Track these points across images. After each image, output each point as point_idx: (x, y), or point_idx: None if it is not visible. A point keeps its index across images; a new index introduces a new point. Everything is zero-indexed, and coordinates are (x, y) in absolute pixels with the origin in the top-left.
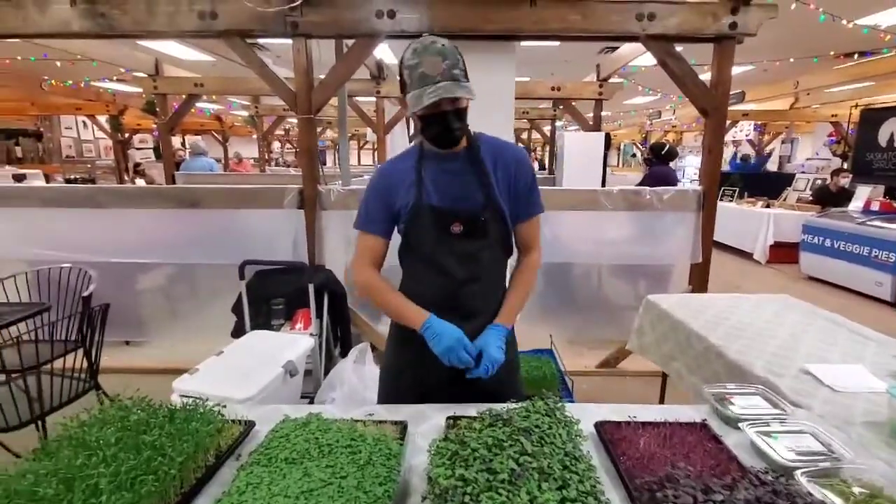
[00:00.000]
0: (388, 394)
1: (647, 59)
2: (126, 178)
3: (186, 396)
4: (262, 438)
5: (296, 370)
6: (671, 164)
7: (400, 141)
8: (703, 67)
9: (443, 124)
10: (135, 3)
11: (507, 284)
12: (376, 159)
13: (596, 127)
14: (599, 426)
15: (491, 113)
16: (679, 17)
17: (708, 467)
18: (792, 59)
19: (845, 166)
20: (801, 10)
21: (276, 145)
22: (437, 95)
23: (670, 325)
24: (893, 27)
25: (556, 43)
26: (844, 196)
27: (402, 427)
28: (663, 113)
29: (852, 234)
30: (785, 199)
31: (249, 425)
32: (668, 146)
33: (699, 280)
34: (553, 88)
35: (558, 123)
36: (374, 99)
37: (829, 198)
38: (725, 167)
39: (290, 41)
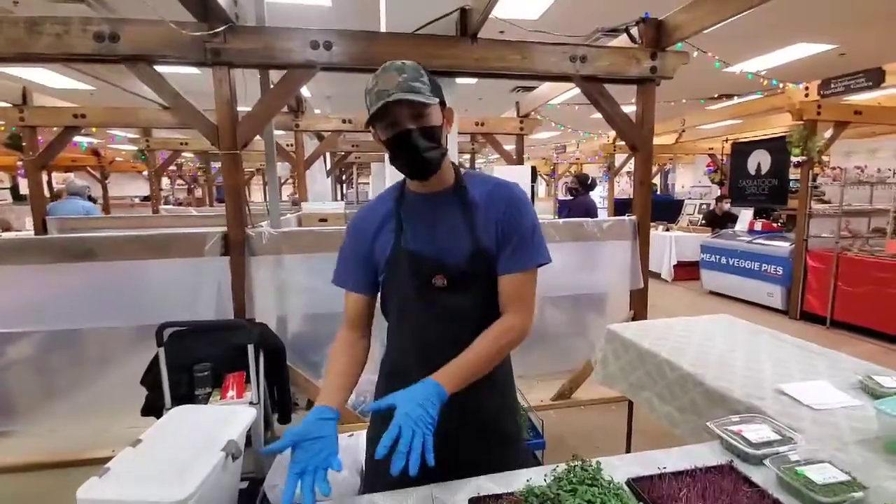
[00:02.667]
0: (377, 471)
1: (560, 99)
2: None
3: None
4: None
5: (239, 451)
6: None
7: (318, 177)
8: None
9: (407, 144)
10: (12, 21)
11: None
12: (295, 195)
13: (519, 160)
14: (634, 483)
15: None
16: (607, 60)
17: None
18: (684, 101)
19: (725, 192)
20: (700, 57)
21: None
22: (382, 99)
23: (637, 354)
24: (771, 71)
25: (474, 81)
26: (728, 218)
27: None
28: (568, 147)
29: (743, 252)
30: (679, 223)
31: None
32: (591, 178)
33: (640, 305)
34: (477, 124)
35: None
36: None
37: (716, 220)
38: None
39: (195, 70)
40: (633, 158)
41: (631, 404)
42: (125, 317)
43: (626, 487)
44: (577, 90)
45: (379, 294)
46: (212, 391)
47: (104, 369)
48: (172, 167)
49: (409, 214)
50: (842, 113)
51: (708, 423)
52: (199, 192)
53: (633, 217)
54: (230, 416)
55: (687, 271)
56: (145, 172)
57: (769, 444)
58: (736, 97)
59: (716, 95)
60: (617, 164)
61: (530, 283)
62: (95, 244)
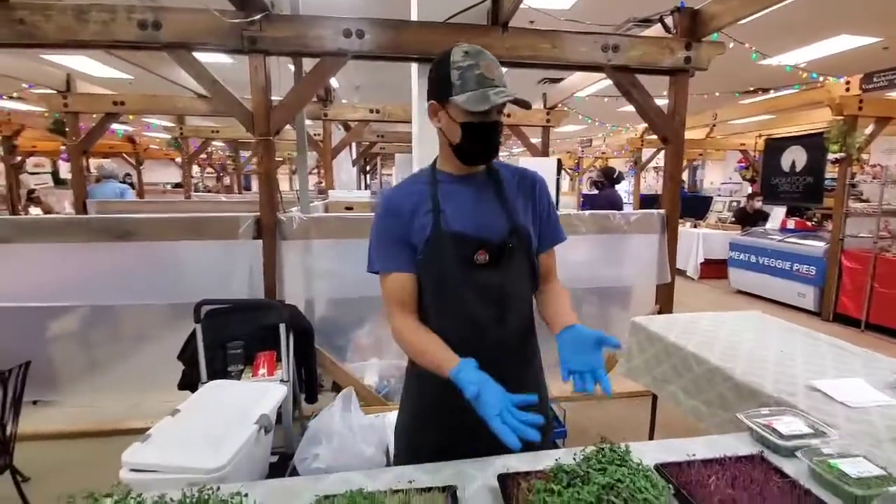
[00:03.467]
0: (410, 447)
1: (588, 91)
2: (18, 206)
3: (141, 471)
4: None
5: (271, 425)
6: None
7: (345, 165)
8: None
9: (489, 134)
10: (61, 8)
11: (534, 326)
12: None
13: (544, 152)
14: (662, 468)
15: None
16: (640, 50)
17: None
18: (717, 93)
19: (757, 190)
20: (736, 48)
21: (194, 169)
22: (508, 96)
23: (663, 347)
24: (811, 64)
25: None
26: (760, 216)
27: (452, 494)
28: (594, 141)
29: (775, 251)
30: (707, 221)
31: None
32: (617, 171)
33: (665, 300)
34: (505, 115)
35: (501, 152)
36: (312, 122)
37: (747, 218)
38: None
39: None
40: (660, 153)
41: (655, 398)
42: (161, 295)
43: (654, 471)
44: (606, 82)
45: None
46: (244, 368)
47: (140, 346)
48: (203, 155)
49: (445, 196)
50: (884, 108)
51: (738, 415)
52: (227, 181)
53: (662, 211)
54: (262, 392)
55: (714, 269)
56: (178, 159)
57: (801, 436)
58: (772, 91)
59: (751, 89)
60: (644, 158)
61: (555, 256)
62: (135, 225)
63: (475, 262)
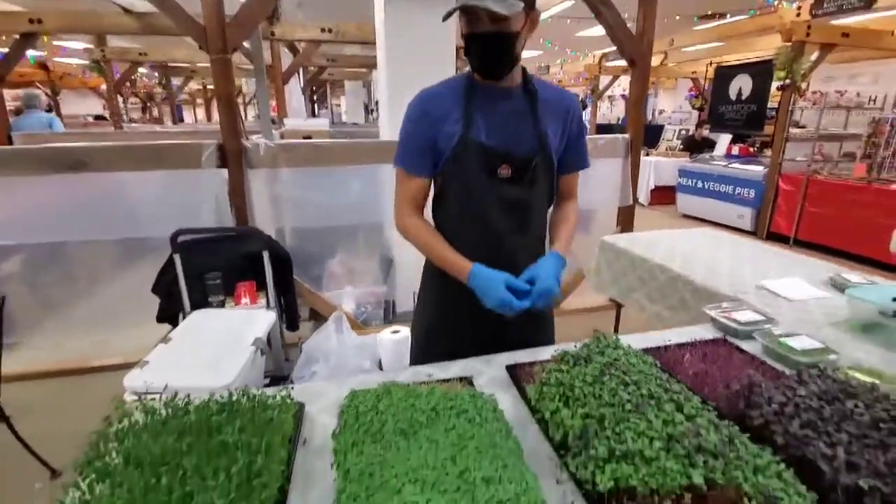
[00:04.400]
0: (424, 354)
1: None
2: None
3: (146, 393)
4: (321, 420)
5: (266, 348)
6: None
7: (295, 92)
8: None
9: (482, 46)
10: None
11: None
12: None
13: None
14: (645, 352)
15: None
16: None
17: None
18: (678, 17)
19: (704, 118)
20: None
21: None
22: (481, 2)
23: (629, 260)
24: None
25: None
26: (707, 144)
27: (468, 383)
28: (551, 68)
29: (720, 176)
30: (658, 149)
31: (300, 408)
32: (580, 97)
33: (627, 221)
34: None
35: None
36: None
37: (695, 146)
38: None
39: None
40: (617, 81)
41: (618, 311)
42: (123, 229)
43: (641, 353)
44: (569, 4)
45: (437, 187)
46: (224, 298)
47: (103, 284)
48: (126, 83)
49: (477, 106)
50: (830, 35)
51: (704, 308)
52: (155, 112)
53: (627, 135)
54: (251, 318)
55: (664, 195)
56: (102, 87)
57: (755, 323)
58: (728, 15)
59: (708, 13)
60: (601, 86)
61: (577, 180)
62: (85, 154)
63: (498, 176)
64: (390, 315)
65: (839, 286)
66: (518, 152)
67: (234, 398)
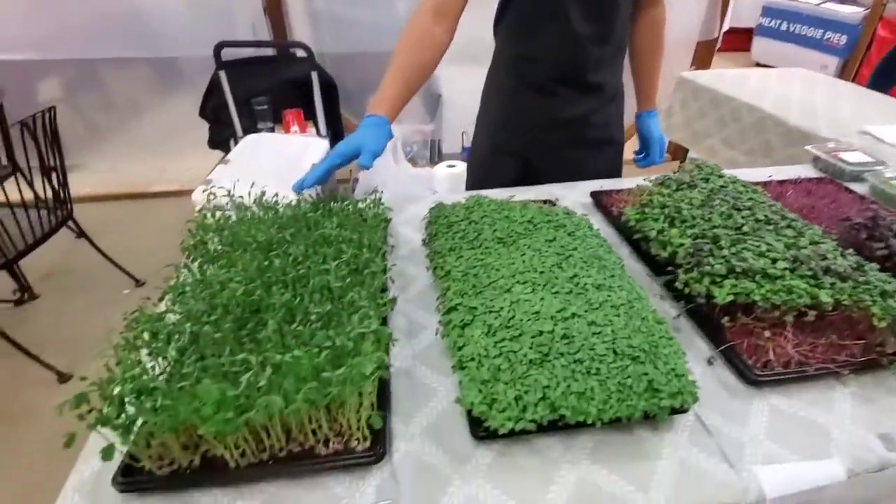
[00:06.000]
0: (484, 179)
1: None
2: None
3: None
4: (403, 232)
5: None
6: None
7: None
8: None
9: None
10: None
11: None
12: None
13: None
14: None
15: None
16: None
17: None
18: None
19: None
20: None
21: None
22: None
23: (711, 100)
24: None
25: None
26: None
27: (551, 203)
28: None
29: (809, 16)
30: None
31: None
32: None
33: (704, 60)
34: None
35: None
36: None
37: None
38: None
39: None
40: None
41: (682, 160)
42: (153, 47)
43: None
44: None
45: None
46: (273, 126)
47: (145, 111)
48: None
49: None
50: None
51: (808, 147)
52: None
53: None
54: (305, 145)
55: (736, 40)
56: None
57: (864, 164)
58: None
59: None
60: None
61: None
62: None
63: None
64: (436, 156)
65: None
66: None
67: (323, 199)
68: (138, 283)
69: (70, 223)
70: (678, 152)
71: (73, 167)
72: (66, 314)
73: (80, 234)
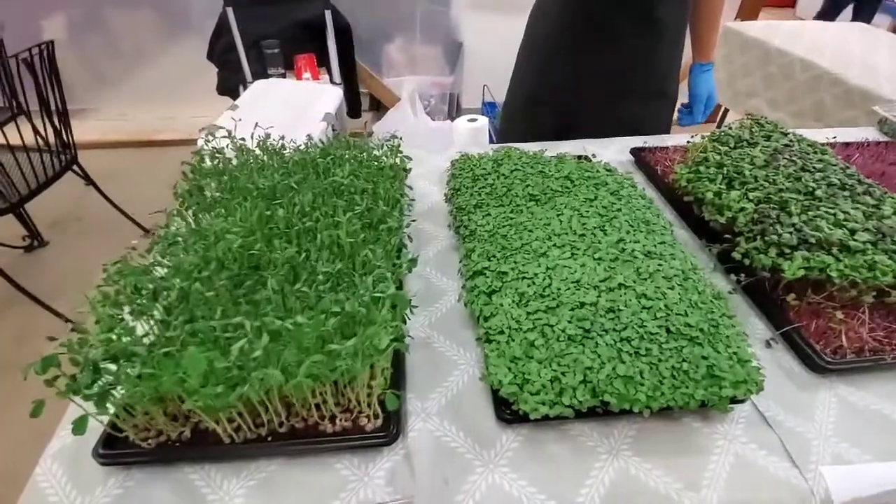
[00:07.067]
0: (514, 135)
1: None
2: None
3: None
4: (420, 186)
5: (337, 124)
6: None
7: None
8: None
9: None
10: None
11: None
12: None
13: None
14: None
15: None
16: None
17: None
18: None
19: None
20: None
21: None
22: None
23: (761, 55)
24: None
25: None
26: None
27: (586, 158)
28: None
29: None
30: None
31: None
32: None
33: (751, 9)
34: None
35: None
36: None
37: None
38: None
39: None
40: None
41: (722, 119)
42: None
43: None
44: None
45: None
46: (284, 71)
47: (152, 57)
48: None
49: None
50: None
51: (875, 108)
52: None
53: None
54: (318, 91)
55: None
56: None
57: None
58: None
59: None
60: None
61: None
62: None
63: None
64: (454, 111)
65: None
66: None
67: (335, 145)
68: (147, 232)
69: (77, 170)
70: (713, 115)
71: (80, 112)
72: (76, 261)
73: (89, 181)
